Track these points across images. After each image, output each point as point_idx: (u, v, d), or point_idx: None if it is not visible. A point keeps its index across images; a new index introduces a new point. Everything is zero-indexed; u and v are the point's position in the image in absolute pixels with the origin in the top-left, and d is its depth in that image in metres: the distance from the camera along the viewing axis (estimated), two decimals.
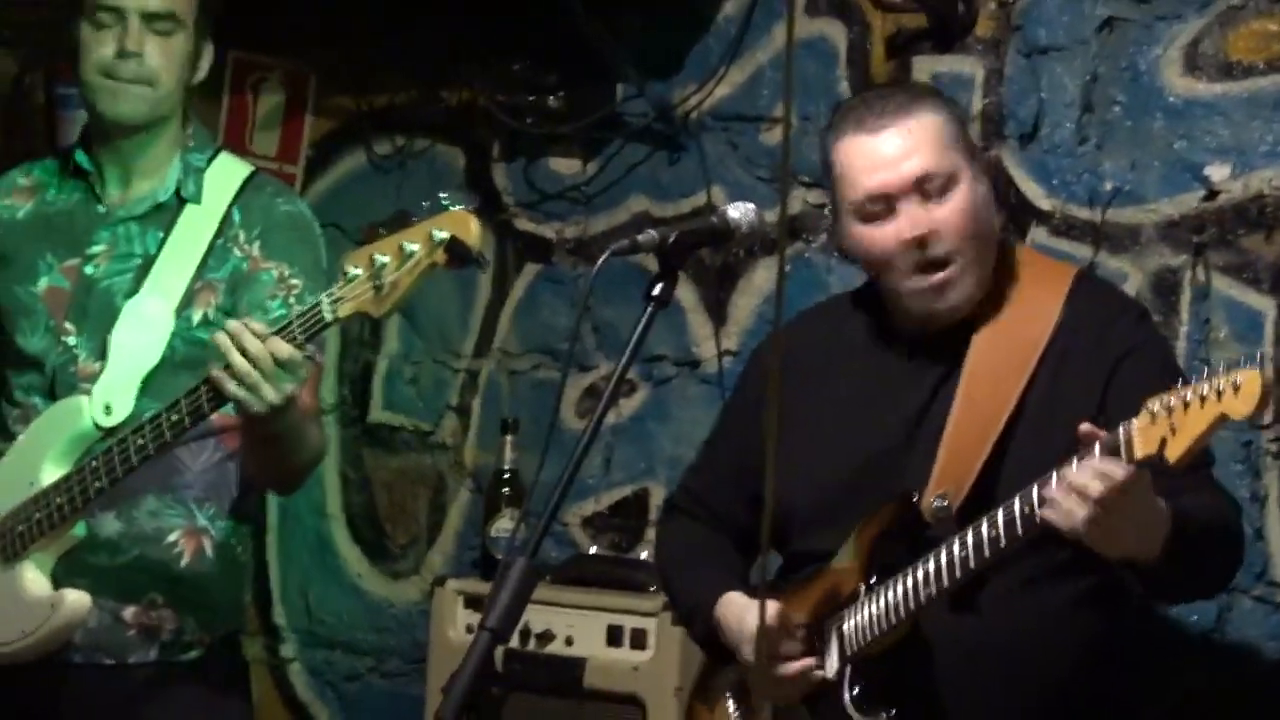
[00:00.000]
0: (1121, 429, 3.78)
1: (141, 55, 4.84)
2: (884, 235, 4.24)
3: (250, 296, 4.83)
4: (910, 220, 4.20)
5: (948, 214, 4.21)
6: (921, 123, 4.24)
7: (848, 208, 4.29)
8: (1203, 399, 3.67)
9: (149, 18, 4.84)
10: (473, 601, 5.43)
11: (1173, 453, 3.71)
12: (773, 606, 4.25)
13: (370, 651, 6.24)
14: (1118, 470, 3.76)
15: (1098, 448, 3.79)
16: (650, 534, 5.69)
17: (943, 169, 4.21)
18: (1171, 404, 3.72)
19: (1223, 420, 3.68)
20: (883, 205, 4.23)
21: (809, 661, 4.27)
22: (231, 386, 4.40)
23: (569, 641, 5.38)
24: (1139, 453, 3.74)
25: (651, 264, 3.93)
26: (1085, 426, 3.85)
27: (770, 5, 5.66)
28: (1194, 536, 3.95)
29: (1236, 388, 3.63)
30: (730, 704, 4.46)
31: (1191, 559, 3.97)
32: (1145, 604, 4.22)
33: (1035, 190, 5.34)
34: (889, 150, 4.24)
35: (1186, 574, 4.02)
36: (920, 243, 4.20)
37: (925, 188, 4.21)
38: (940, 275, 4.23)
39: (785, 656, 4.29)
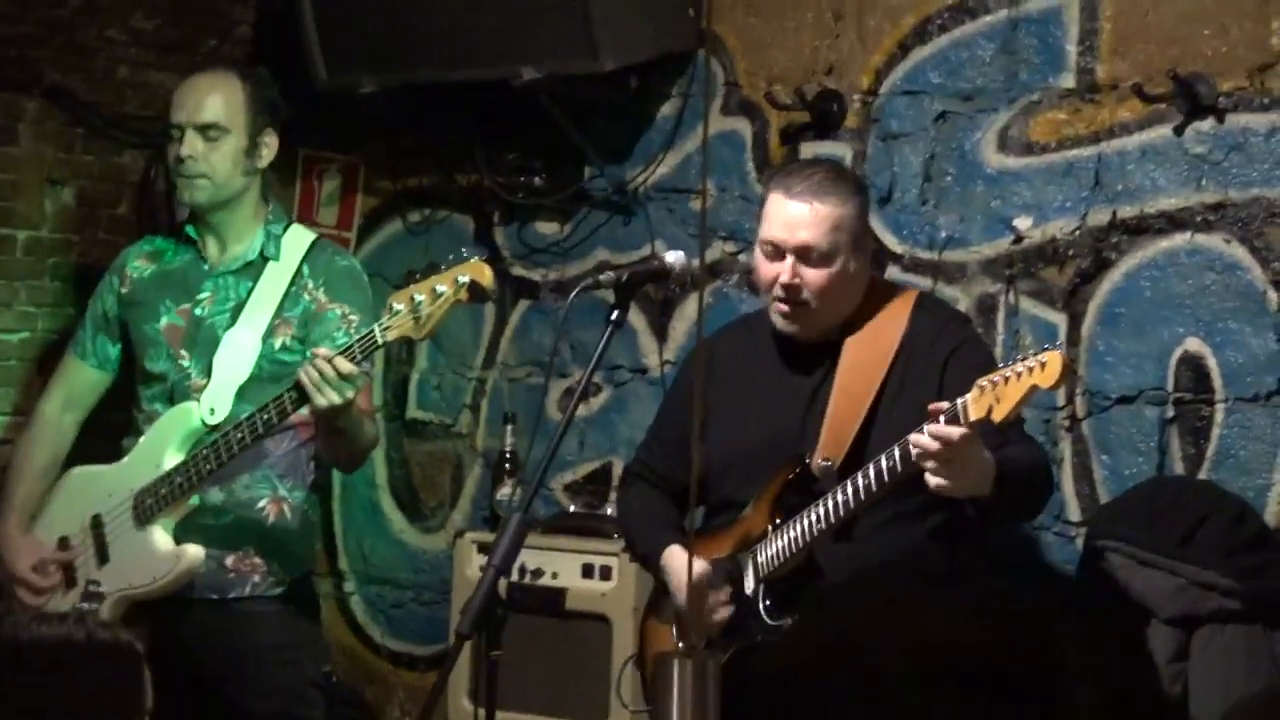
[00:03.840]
0: (959, 401, 3.83)
1: (195, 158, 4.84)
2: (769, 270, 4.29)
3: (320, 329, 4.83)
4: (787, 271, 4.23)
5: (814, 277, 4.24)
6: (824, 206, 4.24)
7: (759, 238, 4.32)
8: (1018, 375, 3.77)
9: (199, 129, 4.84)
10: (483, 548, 5.41)
11: (997, 415, 3.79)
12: (701, 565, 4.26)
13: (409, 586, 6.20)
14: (953, 431, 3.80)
15: (942, 417, 3.82)
16: (613, 495, 5.67)
17: (823, 246, 4.23)
18: (995, 380, 3.79)
19: (1034, 390, 3.76)
20: (774, 250, 4.25)
21: (724, 614, 4.28)
22: (311, 390, 4.42)
23: (554, 575, 5.37)
24: (972, 416, 3.80)
25: (610, 297, 3.93)
26: (932, 404, 3.88)
27: (695, 108, 5.64)
28: (1014, 475, 4.02)
29: (1043, 365, 3.75)
30: (673, 630, 4.45)
31: (1014, 491, 4.03)
32: (979, 536, 4.21)
33: (890, 239, 5.33)
34: (792, 217, 4.24)
35: (1012, 502, 4.08)
36: (786, 288, 4.21)
37: (806, 255, 4.23)
38: (791, 310, 4.27)
39: (708, 602, 4.30)
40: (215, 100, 4.86)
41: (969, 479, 3.92)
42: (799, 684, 1.66)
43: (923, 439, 3.87)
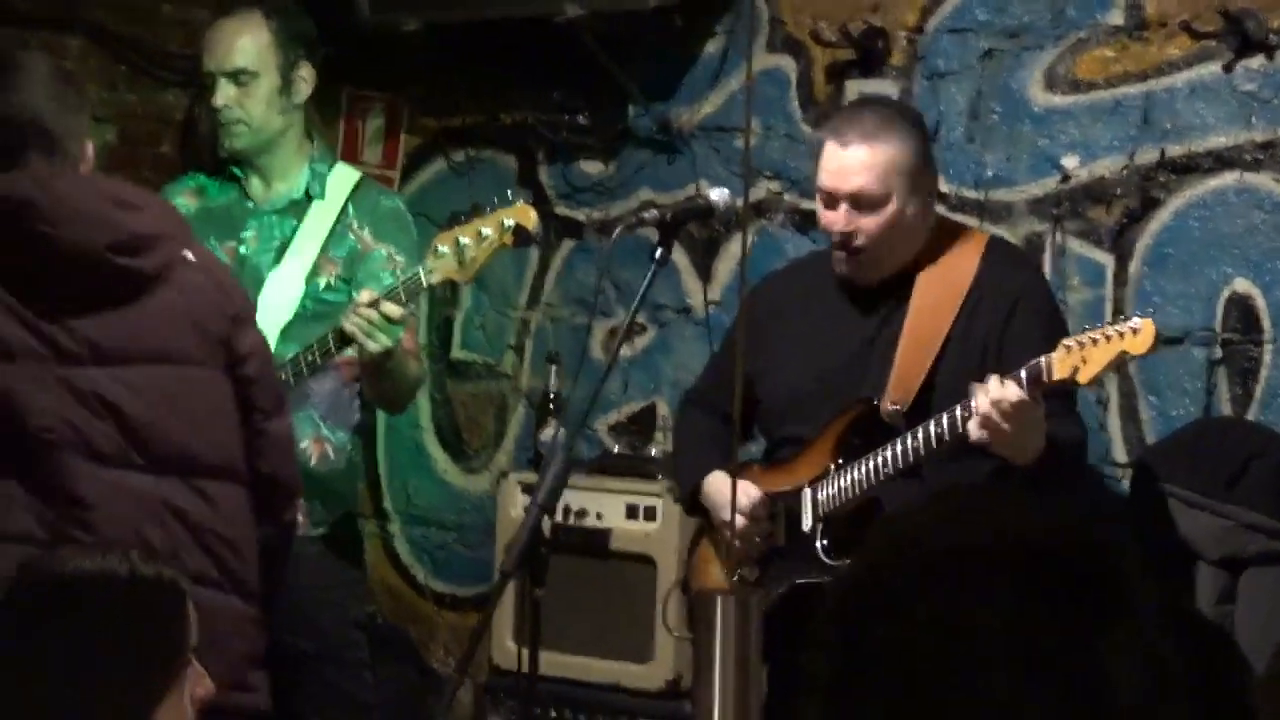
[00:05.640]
0: (1043, 359, 3.79)
1: (230, 106, 4.83)
2: (826, 217, 4.26)
3: (366, 269, 4.84)
4: (841, 219, 4.19)
5: (869, 224, 4.20)
6: (877, 151, 4.19)
7: (817, 185, 4.29)
8: (1108, 338, 3.72)
9: (230, 75, 4.83)
10: (527, 489, 5.39)
11: (1083, 377, 3.77)
12: (752, 490, 4.25)
13: (453, 527, 6.21)
14: (1011, 394, 3.78)
15: (1025, 371, 3.80)
16: (658, 436, 5.67)
17: (876, 192, 4.19)
18: (1083, 340, 3.75)
19: (1123, 356, 3.71)
20: (829, 198, 4.22)
21: (776, 540, 4.30)
22: (359, 336, 4.42)
23: (598, 516, 5.35)
24: (1056, 375, 3.77)
25: (654, 236, 3.93)
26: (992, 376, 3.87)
27: (740, 45, 5.62)
28: (1056, 454, 3.98)
29: (1135, 331, 3.70)
30: (721, 556, 4.45)
31: (1048, 471, 3.97)
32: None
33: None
34: (843, 163, 4.20)
35: (1043, 478, 4.01)
36: (842, 235, 4.18)
37: (859, 202, 4.19)
38: (849, 256, 4.23)
39: (752, 520, 4.29)
40: (242, 44, 4.85)
41: (1021, 441, 3.89)
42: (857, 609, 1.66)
43: (985, 400, 3.83)
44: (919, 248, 4.28)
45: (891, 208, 4.19)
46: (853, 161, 4.19)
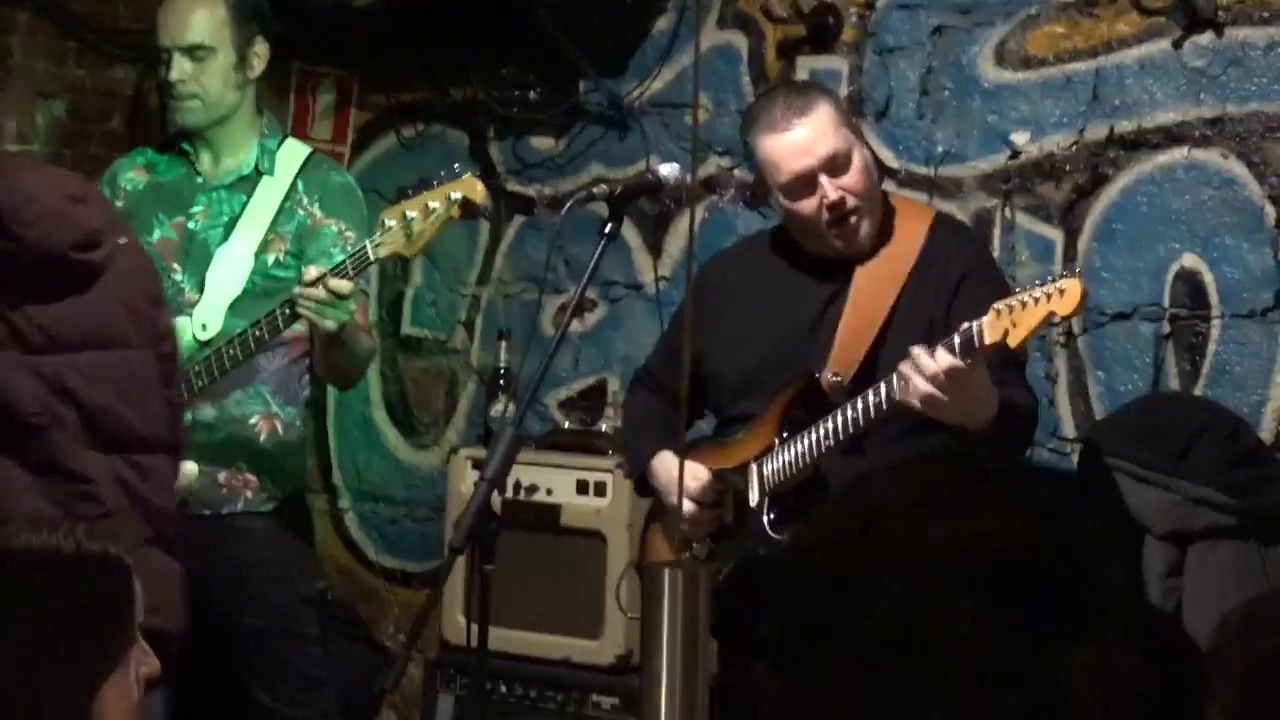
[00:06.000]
0: (974, 324, 3.78)
1: (185, 80, 4.81)
2: (808, 205, 4.20)
3: (317, 245, 4.82)
4: (830, 190, 4.16)
5: (851, 181, 4.17)
6: (817, 115, 4.18)
7: (776, 187, 4.23)
8: (1036, 300, 3.71)
9: (185, 50, 4.81)
10: (478, 465, 5.37)
11: (1013, 340, 3.75)
12: (699, 469, 4.25)
13: (403, 503, 6.21)
14: (944, 362, 3.78)
15: (957, 337, 3.79)
16: (609, 412, 5.67)
17: (842, 148, 4.17)
18: (1012, 304, 3.74)
19: (1051, 316, 3.70)
20: (802, 183, 4.19)
21: (725, 518, 4.28)
22: (306, 311, 4.40)
23: (549, 491, 5.34)
24: (988, 340, 3.76)
25: (604, 211, 3.91)
26: (914, 348, 3.85)
27: (691, 21, 5.62)
28: (1009, 420, 3.97)
29: (1062, 292, 3.69)
30: (671, 537, 4.45)
31: (1002, 434, 3.95)
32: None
33: (887, 154, 5.30)
34: (801, 141, 4.18)
35: (1001, 441, 3.99)
36: (835, 205, 4.16)
37: (833, 164, 4.17)
38: (850, 225, 4.20)
39: (699, 503, 4.29)
40: (199, 19, 4.83)
41: (967, 407, 3.89)
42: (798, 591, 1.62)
43: (926, 362, 3.83)
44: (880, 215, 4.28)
45: (858, 159, 4.19)
46: (807, 134, 4.18)
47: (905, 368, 3.86)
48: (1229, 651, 2.34)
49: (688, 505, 4.23)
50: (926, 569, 1.54)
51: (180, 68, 4.81)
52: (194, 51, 4.81)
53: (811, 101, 4.22)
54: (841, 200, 4.16)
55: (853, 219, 4.19)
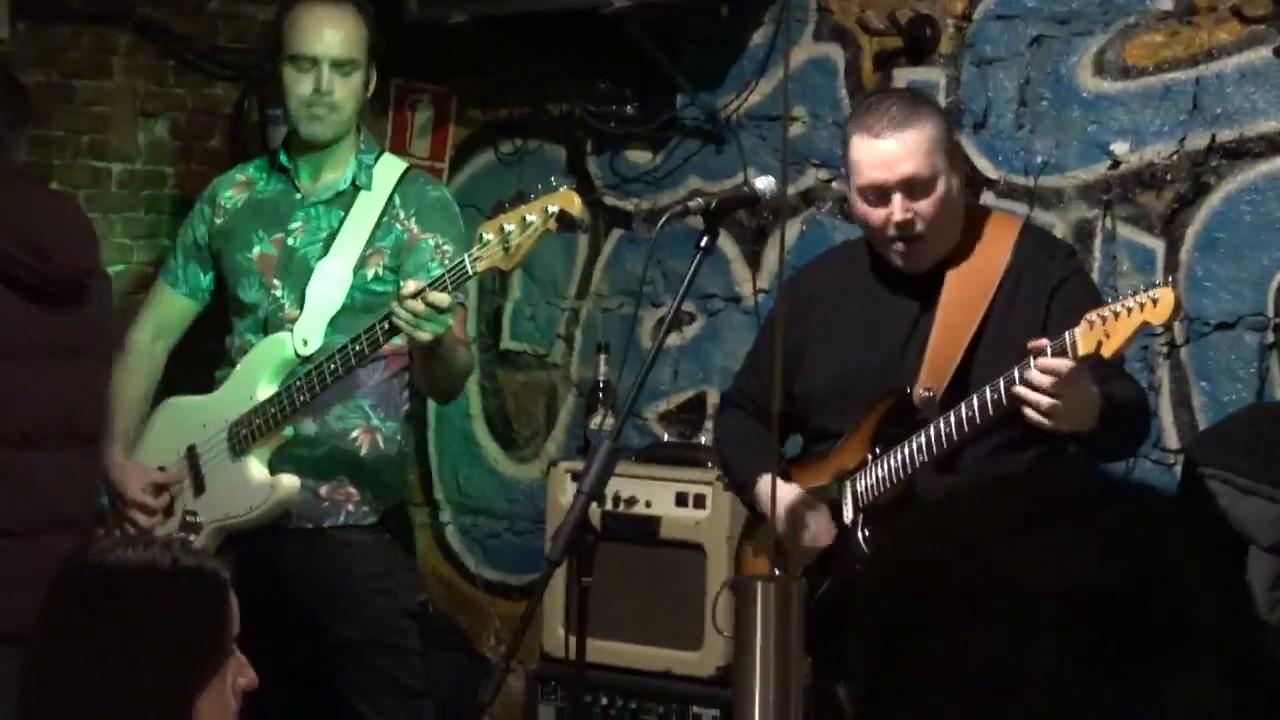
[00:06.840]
0: (1068, 335, 3.77)
1: (332, 93, 4.82)
2: (877, 215, 4.17)
3: (414, 260, 4.82)
4: (898, 209, 4.13)
5: (925, 207, 4.14)
6: (914, 134, 4.14)
7: (854, 188, 4.22)
8: (1129, 310, 3.70)
9: (336, 64, 4.81)
10: (577, 478, 5.33)
11: (1107, 351, 3.73)
12: (797, 492, 4.25)
13: (504, 516, 6.22)
14: (1063, 365, 3.76)
15: (1049, 349, 3.78)
16: (708, 424, 5.66)
17: (925, 173, 4.13)
18: (1105, 315, 3.73)
19: (1144, 326, 3.69)
20: (877, 194, 4.17)
21: (824, 541, 4.25)
22: (403, 324, 4.40)
23: (648, 504, 5.34)
24: (1081, 351, 3.74)
25: (700, 224, 3.92)
26: (1032, 343, 3.83)
27: (787, 34, 5.60)
28: (1118, 412, 3.94)
29: (1155, 301, 3.68)
30: (770, 557, 4.42)
31: (1117, 428, 3.96)
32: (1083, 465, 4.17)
33: (985, 164, 5.28)
34: (887, 154, 4.15)
35: (1114, 439, 4.03)
36: (902, 225, 4.14)
37: (911, 186, 4.14)
38: (909, 246, 4.17)
39: (807, 530, 4.27)
40: (349, 34, 4.84)
41: (1073, 414, 3.86)
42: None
43: (1031, 374, 3.81)
44: (961, 228, 4.25)
45: (941, 187, 4.15)
46: (896, 149, 4.15)
47: (1021, 389, 3.84)
48: None
49: (789, 529, 4.23)
50: (1021, 605, 1.50)
51: (330, 80, 4.81)
52: (344, 65, 4.82)
53: (915, 118, 4.17)
54: (909, 222, 4.14)
55: (917, 243, 4.17)
